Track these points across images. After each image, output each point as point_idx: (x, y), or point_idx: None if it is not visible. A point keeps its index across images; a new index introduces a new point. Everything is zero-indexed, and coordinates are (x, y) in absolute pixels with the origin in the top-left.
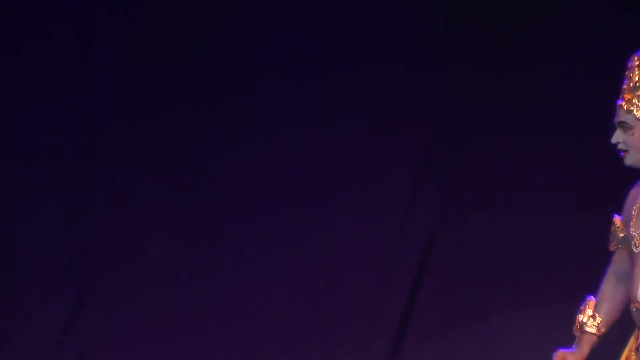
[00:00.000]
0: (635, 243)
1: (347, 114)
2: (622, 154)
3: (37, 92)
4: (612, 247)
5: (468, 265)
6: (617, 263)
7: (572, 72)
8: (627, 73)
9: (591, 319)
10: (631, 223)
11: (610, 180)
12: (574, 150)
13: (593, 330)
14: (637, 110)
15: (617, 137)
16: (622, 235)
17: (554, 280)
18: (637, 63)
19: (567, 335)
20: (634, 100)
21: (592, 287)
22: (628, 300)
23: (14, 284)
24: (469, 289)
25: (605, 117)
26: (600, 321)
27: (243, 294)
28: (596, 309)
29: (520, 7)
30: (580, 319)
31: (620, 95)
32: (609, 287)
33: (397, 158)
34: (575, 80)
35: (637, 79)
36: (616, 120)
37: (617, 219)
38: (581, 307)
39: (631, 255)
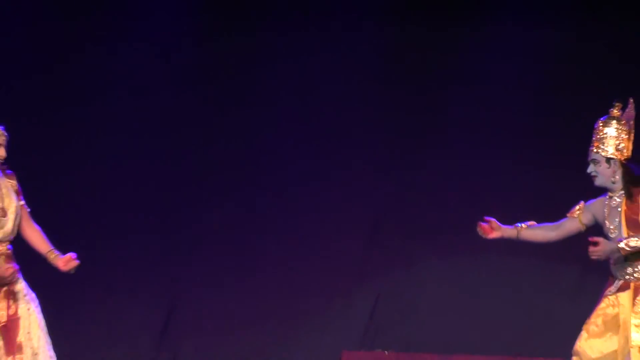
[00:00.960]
0: (610, 231)
1: None
2: (593, 178)
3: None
4: (570, 214)
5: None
6: (564, 223)
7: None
8: (595, 130)
9: (524, 225)
10: (606, 222)
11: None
12: None
13: (519, 227)
14: (601, 152)
15: (591, 168)
16: (583, 214)
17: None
18: (600, 124)
19: None
20: (600, 146)
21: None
22: (546, 241)
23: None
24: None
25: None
26: (525, 229)
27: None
28: (533, 226)
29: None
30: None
31: (592, 143)
32: (550, 226)
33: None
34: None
35: (600, 134)
36: (589, 158)
37: (583, 204)
38: (528, 222)
39: (606, 237)
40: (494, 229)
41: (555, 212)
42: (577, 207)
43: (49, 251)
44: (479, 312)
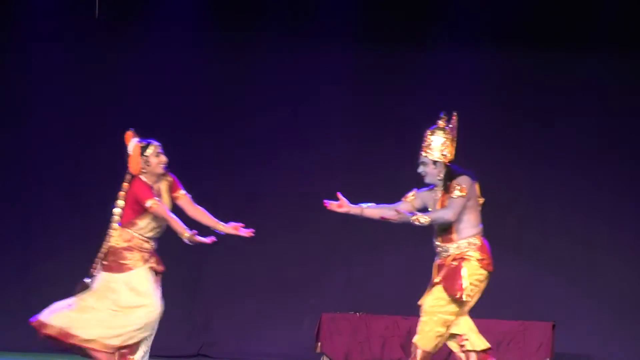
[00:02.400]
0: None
1: None
2: (424, 177)
3: None
4: (404, 199)
5: None
6: (400, 205)
7: None
8: (424, 138)
9: (367, 205)
10: (429, 208)
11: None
12: None
13: (363, 206)
14: (429, 156)
15: (421, 169)
16: (415, 200)
17: None
18: (429, 133)
19: None
20: (428, 151)
21: None
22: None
23: None
24: None
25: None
26: (366, 208)
27: None
28: (373, 206)
29: None
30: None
31: (422, 149)
32: (387, 207)
33: None
34: None
35: (428, 141)
36: (419, 161)
37: (415, 192)
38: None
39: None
40: (342, 206)
41: None
42: (411, 194)
43: (217, 223)
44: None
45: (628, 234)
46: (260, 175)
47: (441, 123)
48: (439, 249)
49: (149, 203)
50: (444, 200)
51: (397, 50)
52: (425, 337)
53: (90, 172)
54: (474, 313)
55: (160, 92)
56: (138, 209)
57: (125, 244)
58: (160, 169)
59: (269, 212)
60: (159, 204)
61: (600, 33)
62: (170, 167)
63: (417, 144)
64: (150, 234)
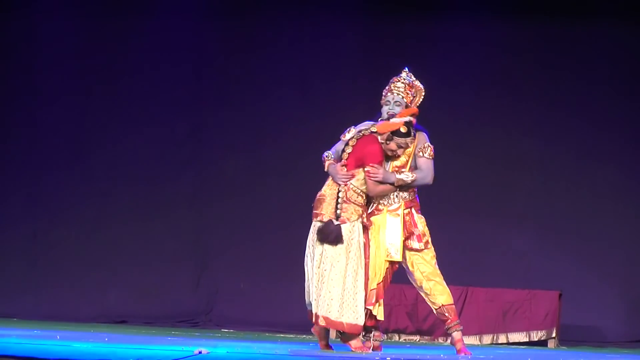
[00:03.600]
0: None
1: None
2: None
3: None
4: (344, 136)
5: None
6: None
7: None
8: (405, 83)
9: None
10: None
11: None
12: None
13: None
14: (405, 98)
15: (392, 109)
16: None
17: None
18: (411, 80)
19: None
20: (406, 92)
21: None
22: None
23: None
24: None
25: None
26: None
27: None
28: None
29: None
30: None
31: (398, 90)
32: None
33: None
34: None
35: (407, 86)
36: (394, 100)
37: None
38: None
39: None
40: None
41: None
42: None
43: None
44: None
45: (635, 206)
46: (268, 149)
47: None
48: (383, 199)
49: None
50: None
51: (406, 21)
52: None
53: (95, 142)
54: (482, 282)
55: (166, 62)
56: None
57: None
58: None
59: (278, 184)
60: None
61: (608, 3)
62: (177, 136)
63: (428, 117)
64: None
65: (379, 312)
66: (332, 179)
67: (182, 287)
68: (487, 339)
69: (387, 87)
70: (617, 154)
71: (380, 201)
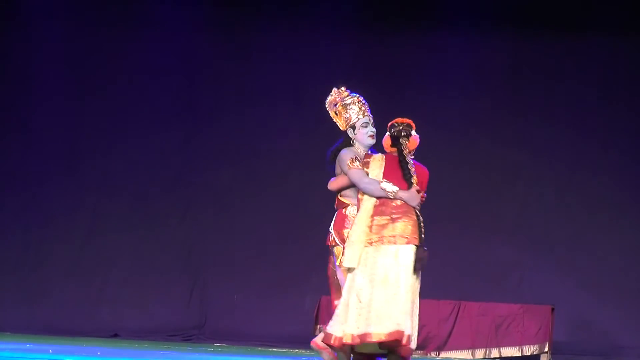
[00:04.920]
0: None
1: None
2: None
3: None
4: None
5: None
6: None
7: None
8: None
9: None
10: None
11: None
12: None
13: None
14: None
15: (373, 130)
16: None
17: None
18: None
19: None
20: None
21: None
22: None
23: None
24: None
25: None
26: None
27: None
28: None
29: None
30: None
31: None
32: None
33: None
34: None
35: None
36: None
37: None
38: None
39: None
40: None
41: None
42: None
43: None
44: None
45: (628, 218)
46: (261, 161)
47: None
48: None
49: None
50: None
51: (401, 35)
52: None
53: (88, 155)
54: (475, 296)
55: (159, 72)
56: None
57: None
58: None
59: (270, 196)
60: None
61: (601, 16)
62: (168, 147)
63: (420, 127)
64: None
65: None
66: (407, 202)
67: (174, 301)
68: (479, 353)
69: (364, 106)
70: (610, 166)
71: None
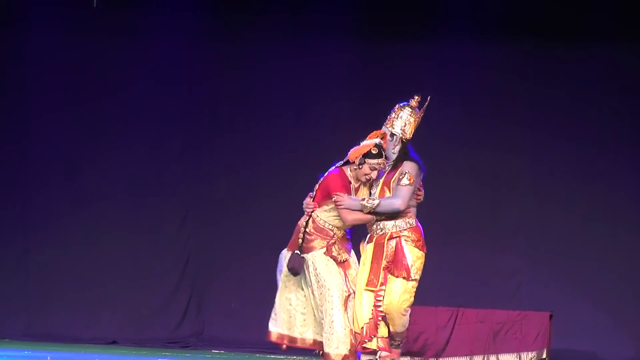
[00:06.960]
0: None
1: None
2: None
3: None
4: None
5: None
6: None
7: None
8: (391, 110)
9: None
10: (374, 183)
11: None
12: None
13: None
14: (389, 128)
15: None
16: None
17: None
18: (397, 107)
19: None
20: (389, 123)
21: None
22: None
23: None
24: None
25: None
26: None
27: None
28: None
29: None
30: None
31: (386, 120)
32: None
33: None
34: None
35: (394, 115)
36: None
37: None
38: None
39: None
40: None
41: None
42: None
43: None
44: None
45: (627, 226)
46: (260, 170)
47: (413, 102)
48: (374, 226)
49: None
50: (390, 181)
51: (402, 44)
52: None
53: (87, 163)
54: (473, 302)
55: (159, 80)
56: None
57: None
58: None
59: (268, 205)
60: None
61: (600, 23)
62: (167, 156)
63: (421, 134)
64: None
65: (381, 340)
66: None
67: (173, 308)
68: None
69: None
70: (608, 173)
71: (373, 229)
